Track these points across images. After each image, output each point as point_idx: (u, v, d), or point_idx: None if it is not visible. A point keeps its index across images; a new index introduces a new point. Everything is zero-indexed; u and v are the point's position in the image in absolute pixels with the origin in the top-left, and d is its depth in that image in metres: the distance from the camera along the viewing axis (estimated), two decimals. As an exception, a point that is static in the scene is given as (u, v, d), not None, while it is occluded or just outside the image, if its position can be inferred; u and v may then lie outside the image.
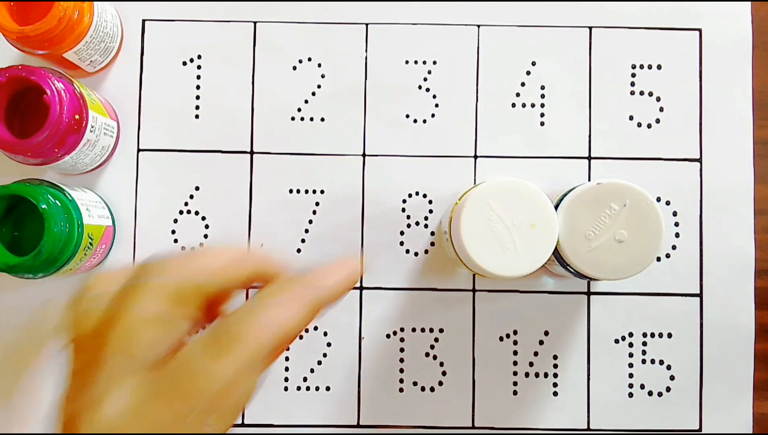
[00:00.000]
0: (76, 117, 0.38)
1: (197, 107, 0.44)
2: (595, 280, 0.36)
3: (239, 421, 0.43)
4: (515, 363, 0.43)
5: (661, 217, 0.35)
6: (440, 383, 0.43)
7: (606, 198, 0.35)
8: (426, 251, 0.44)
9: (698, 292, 0.43)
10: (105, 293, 0.26)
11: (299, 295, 0.26)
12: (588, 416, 0.43)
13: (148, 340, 0.25)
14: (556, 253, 0.36)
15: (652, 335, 0.43)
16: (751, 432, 0.43)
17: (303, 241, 0.44)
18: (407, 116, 0.44)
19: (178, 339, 0.25)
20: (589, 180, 0.44)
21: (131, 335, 0.25)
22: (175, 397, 0.24)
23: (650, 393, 0.43)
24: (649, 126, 0.44)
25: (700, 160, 0.44)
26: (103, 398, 0.24)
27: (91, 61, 0.43)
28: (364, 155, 0.44)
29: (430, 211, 0.44)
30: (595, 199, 0.35)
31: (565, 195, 0.37)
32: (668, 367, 0.43)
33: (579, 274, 0.36)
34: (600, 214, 0.35)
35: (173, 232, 0.44)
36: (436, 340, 0.43)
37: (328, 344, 0.44)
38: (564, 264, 0.36)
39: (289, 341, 0.25)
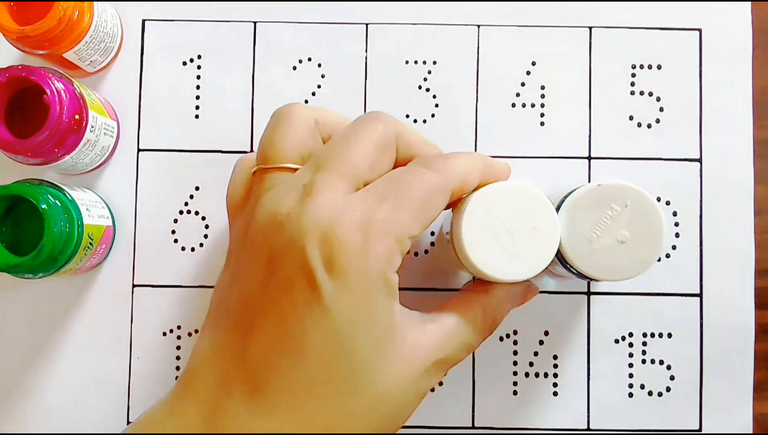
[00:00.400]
0: (76, 117, 0.38)
1: (197, 107, 0.44)
2: (597, 281, 0.36)
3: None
4: (515, 363, 0.43)
5: (662, 218, 0.35)
6: (441, 383, 0.43)
7: (607, 199, 0.35)
8: (426, 251, 0.44)
9: (698, 292, 0.43)
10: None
11: (479, 158, 0.32)
12: (588, 416, 0.43)
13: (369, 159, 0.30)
14: (558, 255, 0.36)
15: (652, 335, 0.43)
16: (751, 432, 0.43)
17: (303, 241, 0.44)
18: (407, 116, 0.44)
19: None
20: (589, 180, 0.44)
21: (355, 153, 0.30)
22: (388, 195, 0.28)
23: (650, 393, 0.43)
24: (649, 126, 0.44)
25: (700, 160, 0.44)
26: (318, 191, 0.28)
27: (91, 61, 0.43)
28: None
29: (430, 211, 0.44)
30: (596, 201, 0.35)
31: (565, 197, 0.37)
32: (668, 367, 0.43)
33: (581, 275, 0.36)
34: (601, 216, 0.35)
35: (173, 232, 0.44)
36: (436, 340, 0.43)
37: (328, 344, 0.44)
38: (566, 265, 0.36)
39: (469, 184, 0.31)
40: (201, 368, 0.28)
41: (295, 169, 0.30)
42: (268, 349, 0.27)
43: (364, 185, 0.30)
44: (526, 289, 0.37)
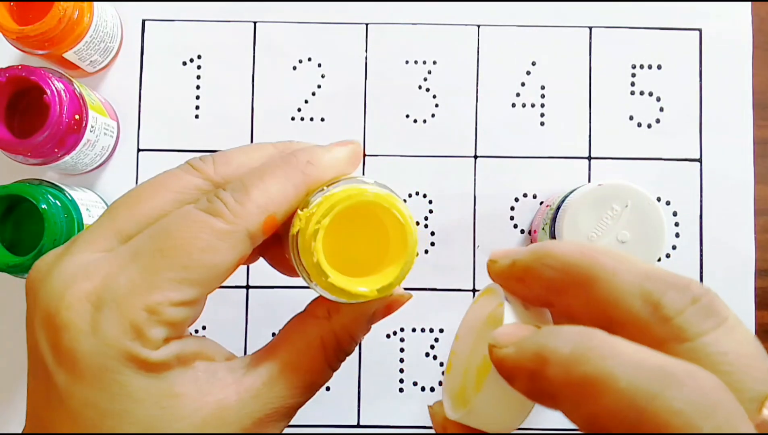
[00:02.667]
0: (76, 117, 0.38)
1: (197, 107, 0.44)
2: None
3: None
4: (515, 363, 0.43)
5: (663, 217, 0.35)
6: (440, 383, 0.43)
7: (607, 199, 0.35)
8: (426, 251, 0.44)
9: (698, 292, 0.43)
10: None
11: (295, 169, 0.25)
12: (588, 416, 0.43)
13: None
14: None
15: (652, 335, 0.43)
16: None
17: (303, 241, 0.44)
18: (407, 116, 0.44)
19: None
20: (590, 180, 0.44)
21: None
22: (144, 251, 0.23)
23: (650, 393, 0.43)
24: (649, 126, 0.44)
25: (700, 160, 0.44)
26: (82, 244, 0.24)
27: (91, 61, 0.43)
28: (364, 155, 0.44)
29: (430, 211, 0.44)
30: (597, 201, 0.35)
31: (566, 197, 0.37)
32: (668, 367, 0.43)
33: None
34: (602, 216, 0.35)
35: (173, 232, 0.44)
36: (436, 340, 0.43)
37: (328, 344, 0.44)
38: None
39: (282, 213, 0.24)
40: None
41: None
42: None
43: None
44: (386, 300, 0.27)
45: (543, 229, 0.39)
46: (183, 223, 0.23)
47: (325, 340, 0.25)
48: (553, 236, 0.37)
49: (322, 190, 0.25)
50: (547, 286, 0.21)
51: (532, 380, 0.19)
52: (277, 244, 0.28)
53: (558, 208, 0.37)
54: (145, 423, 0.22)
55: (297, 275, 0.27)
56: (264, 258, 0.30)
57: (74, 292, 0.22)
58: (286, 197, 0.24)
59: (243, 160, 0.26)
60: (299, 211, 0.25)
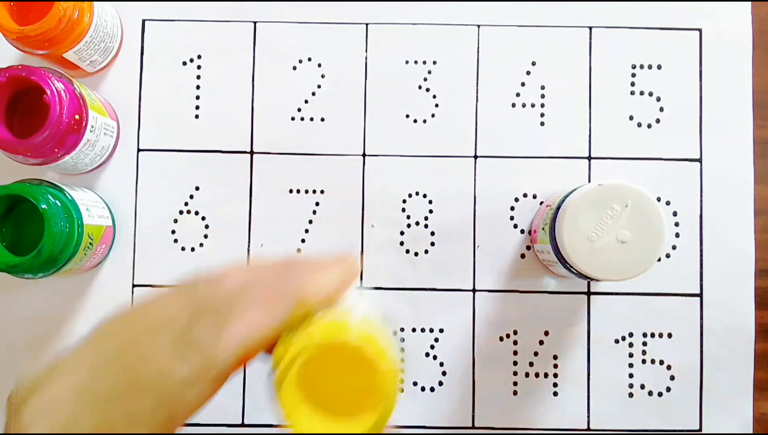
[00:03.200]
0: (76, 117, 0.38)
1: (197, 107, 0.44)
2: (598, 280, 0.36)
3: (239, 422, 0.43)
4: (515, 363, 0.43)
5: (663, 217, 0.35)
6: (440, 383, 0.43)
7: (607, 199, 0.35)
8: (426, 251, 0.44)
9: (698, 292, 0.43)
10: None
11: (281, 297, 0.24)
12: (588, 416, 0.43)
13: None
14: (559, 255, 0.36)
15: (652, 335, 0.43)
16: (751, 432, 0.43)
17: (303, 241, 0.44)
18: (407, 116, 0.44)
19: None
20: (590, 180, 0.44)
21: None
22: (128, 390, 0.23)
23: (650, 393, 0.43)
24: (649, 126, 0.44)
25: (700, 160, 0.44)
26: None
27: (91, 61, 0.43)
28: (364, 155, 0.44)
29: (430, 211, 0.44)
30: (597, 201, 0.35)
31: (566, 196, 0.37)
32: (668, 367, 0.43)
33: (581, 275, 0.36)
34: (602, 215, 0.35)
35: (173, 232, 0.44)
36: (436, 340, 0.43)
37: (328, 344, 0.43)
38: (567, 265, 0.36)
39: (260, 350, 0.24)
40: None
41: None
42: None
43: None
44: None
45: (543, 229, 0.39)
46: (151, 367, 0.23)
47: None
48: (553, 236, 0.37)
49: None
50: None
51: None
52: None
53: (558, 208, 0.37)
54: None
55: None
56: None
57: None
58: (268, 330, 0.24)
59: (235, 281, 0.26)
60: (279, 341, 0.24)
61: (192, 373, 0.23)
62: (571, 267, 0.35)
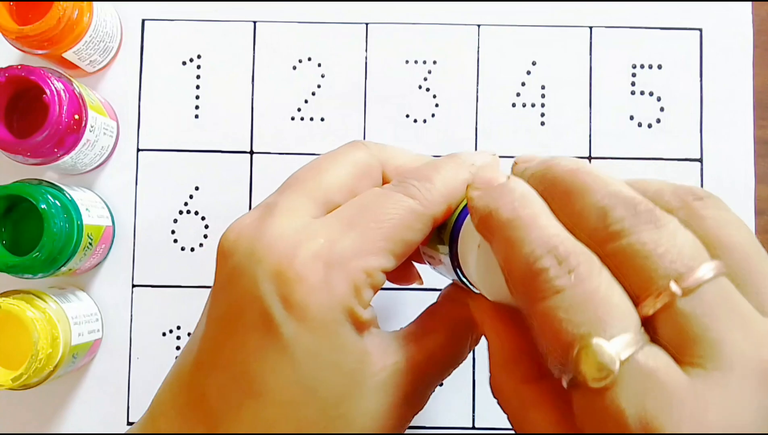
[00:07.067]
0: (76, 117, 0.38)
1: (197, 107, 0.44)
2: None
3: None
4: (515, 363, 0.43)
5: None
6: (440, 383, 0.43)
7: None
8: (426, 251, 0.44)
9: (699, 292, 0.43)
10: None
11: (465, 167, 0.28)
12: (588, 417, 0.43)
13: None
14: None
15: (653, 335, 0.43)
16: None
17: (303, 241, 0.44)
18: (407, 116, 0.44)
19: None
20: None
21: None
22: (356, 221, 0.26)
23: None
24: (649, 126, 0.44)
25: (700, 160, 0.44)
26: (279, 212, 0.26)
27: (90, 61, 0.43)
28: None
29: (430, 211, 0.44)
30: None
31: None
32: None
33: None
34: None
35: (173, 232, 0.44)
36: (436, 340, 0.43)
37: (328, 344, 0.43)
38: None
39: (455, 203, 0.27)
40: (163, 405, 0.27)
41: None
42: (225, 391, 0.25)
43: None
44: None
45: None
46: (387, 201, 0.26)
47: (471, 323, 0.28)
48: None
49: None
50: (542, 194, 0.23)
51: (480, 226, 0.23)
52: None
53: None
54: (348, 375, 0.25)
55: (399, 279, 0.34)
56: None
57: (306, 250, 0.24)
58: (459, 191, 0.27)
59: (396, 152, 0.30)
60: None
61: (415, 214, 0.26)
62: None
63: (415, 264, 0.36)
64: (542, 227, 0.21)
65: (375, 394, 0.25)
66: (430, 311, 0.29)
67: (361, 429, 0.25)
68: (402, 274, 0.35)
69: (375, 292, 0.26)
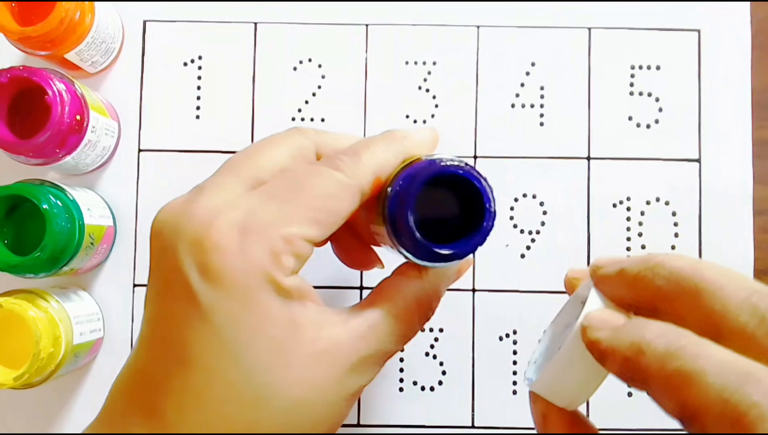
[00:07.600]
0: (78, 117, 0.38)
1: (198, 108, 0.45)
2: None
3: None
4: (515, 363, 0.43)
5: None
6: (440, 383, 0.43)
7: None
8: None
9: (697, 291, 0.43)
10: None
11: (395, 142, 0.29)
12: (587, 416, 0.43)
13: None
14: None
15: (652, 335, 0.43)
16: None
17: (303, 241, 0.44)
18: (407, 116, 0.45)
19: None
20: (589, 180, 0.44)
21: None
22: (280, 193, 0.26)
23: (649, 392, 0.43)
24: (648, 126, 0.44)
25: (699, 161, 0.44)
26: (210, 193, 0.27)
27: (92, 62, 0.43)
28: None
29: (430, 211, 0.44)
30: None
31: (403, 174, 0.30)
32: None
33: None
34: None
35: (174, 232, 0.44)
36: (436, 339, 0.44)
37: (329, 344, 0.44)
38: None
39: (386, 175, 0.28)
40: (117, 385, 0.27)
41: None
42: (158, 362, 0.25)
43: None
44: (461, 263, 0.32)
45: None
46: (311, 173, 0.27)
47: (418, 295, 0.29)
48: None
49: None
50: (655, 294, 0.22)
51: (626, 365, 0.21)
52: (346, 231, 0.33)
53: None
54: (274, 343, 0.25)
55: (359, 264, 0.36)
56: (332, 243, 0.35)
57: (223, 220, 0.25)
58: (388, 163, 0.28)
59: (335, 136, 0.31)
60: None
61: (340, 185, 0.27)
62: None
63: (376, 249, 0.37)
64: (713, 354, 0.19)
65: (306, 364, 0.25)
66: (379, 286, 0.29)
67: (289, 398, 0.25)
68: (361, 258, 0.36)
69: (302, 262, 0.26)
